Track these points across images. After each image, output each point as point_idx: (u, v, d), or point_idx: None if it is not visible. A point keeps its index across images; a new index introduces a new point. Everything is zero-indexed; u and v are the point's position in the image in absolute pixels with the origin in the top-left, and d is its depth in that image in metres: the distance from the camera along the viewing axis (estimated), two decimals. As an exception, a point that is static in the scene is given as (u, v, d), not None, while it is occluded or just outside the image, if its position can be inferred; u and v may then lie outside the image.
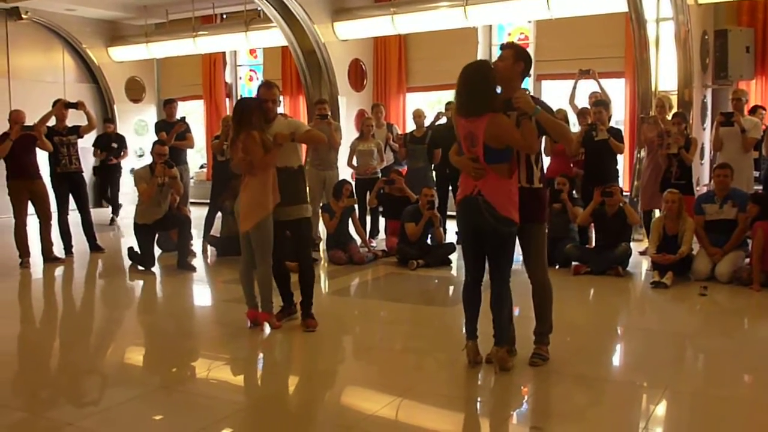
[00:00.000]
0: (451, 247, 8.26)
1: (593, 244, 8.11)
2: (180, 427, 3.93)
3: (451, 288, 7.37)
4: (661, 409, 4.11)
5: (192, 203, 10.73)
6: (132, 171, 8.43)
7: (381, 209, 9.48)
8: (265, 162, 5.30)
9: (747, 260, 7.14)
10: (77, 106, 8.90)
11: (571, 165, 8.83)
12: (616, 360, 5.31)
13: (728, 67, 9.61)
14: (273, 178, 5.39)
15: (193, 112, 15.01)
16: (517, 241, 4.55)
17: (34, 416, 4.10)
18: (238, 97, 15.16)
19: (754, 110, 8.93)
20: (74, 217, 9.03)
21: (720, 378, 4.64)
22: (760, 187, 8.39)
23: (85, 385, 4.72)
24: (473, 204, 4.38)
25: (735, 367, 4.85)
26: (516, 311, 5.01)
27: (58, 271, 8.35)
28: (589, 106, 8.92)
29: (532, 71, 11.81)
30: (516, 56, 4.47)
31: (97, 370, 5.02)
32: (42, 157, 8.73)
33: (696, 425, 3.98)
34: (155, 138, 9.63)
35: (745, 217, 7.03)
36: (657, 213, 8.51)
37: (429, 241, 8.46)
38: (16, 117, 8.40)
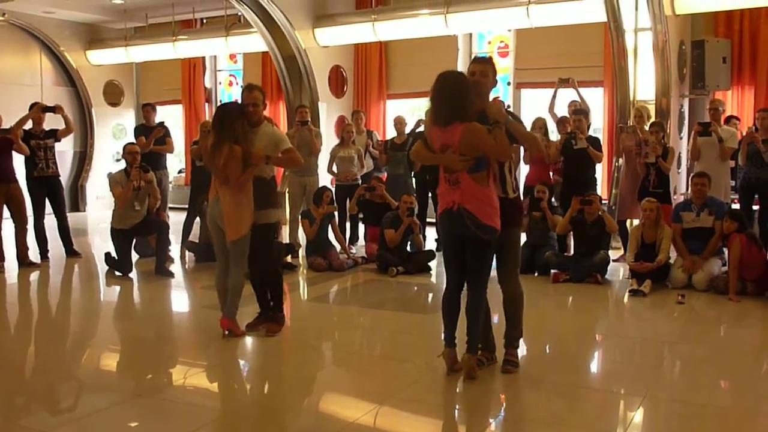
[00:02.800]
0: (430, 254, 8.26)
1: (572, 251, 8.16)
2: (157, 434, 3.89)
3: (431, 295, 7.37)
4: (639, 416, 4.13)
5: (170, 208, 10.65)
6: (108, 175, 8.35)
7: (361, 216, 9.47)
8: (241, 181, 5.26)
9: (723, 268, 7.21)
10: (55, 110, 8.81)
11: (551, 173, 8.89)
12: (595, 367, 5.33)
13: (705, 77, 9.71)
14: (250, 189, 5.36)
15: (171, 117, 14.92)
16: None
17: (8, 424, 4.03)
18: (218, 102, 15.10)
19: (728, 120, 9.04)
20: (50, 222, 8.92)
21: (697, 385, 4.68)
22: (737, 196, 8.48)
23: (60, 392, 4.65)
24: (456, 217, 4.38)
25: (712, 374, 4.91)
26: (495, 318, 5.01)
27: (34, 276, 8.25)
28: (568, 115, 8.98)
29: (511, 79, 12.04)
30: (494, 72, 4.54)
31: (73, 376, 4.95)
32: (18, 161, 8.63)
33: (674, 432, 4.01)
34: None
35: (721, 227, 7.08)
36: (630, 223, 8.58)
37: (408, 248, 8.46)
38: (-8, 120, 8.31)
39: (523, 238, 8.03)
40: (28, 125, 8.73)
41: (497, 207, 4.41)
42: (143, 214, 8.14)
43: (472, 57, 10.57)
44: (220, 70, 15.47)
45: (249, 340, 5.49)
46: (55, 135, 8.94)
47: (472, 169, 4.34)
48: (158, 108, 10.86)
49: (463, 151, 4.31)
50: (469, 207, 4.34)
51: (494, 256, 4.56)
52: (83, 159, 15.01)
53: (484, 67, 4.51)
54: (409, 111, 12.64)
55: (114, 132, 15.25)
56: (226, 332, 5.47)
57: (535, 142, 4.79)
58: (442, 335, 4.61)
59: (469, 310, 4.51)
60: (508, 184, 4.53)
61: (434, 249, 8.42)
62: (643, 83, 9.35)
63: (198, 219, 8.95)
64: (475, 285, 4.52)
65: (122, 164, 8.45)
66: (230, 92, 15.28)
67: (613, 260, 8.02)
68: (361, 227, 9.67)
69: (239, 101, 5.61)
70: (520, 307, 4.72)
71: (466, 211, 4.34)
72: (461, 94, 4.35)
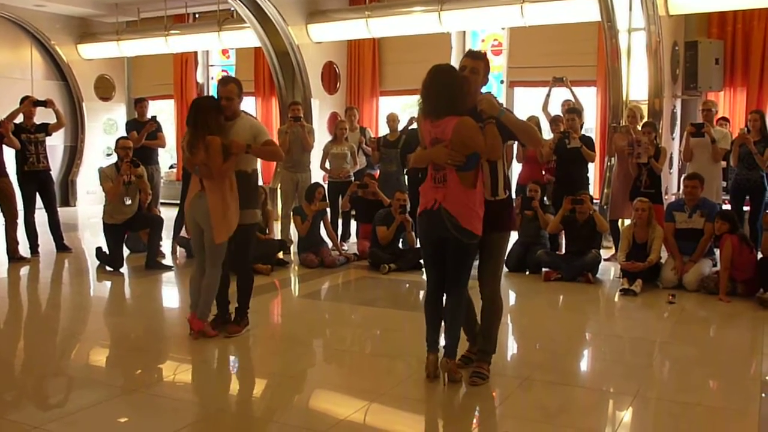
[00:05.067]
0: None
1: (563, 250, 8.17)
2: (146, 431, 3.87)
3: (422, 292, 7.32)
4: (629, 416, 4.14)
5: (161, 203, 10.62)
6: (99, 170, 8.32)
7: (353, 213, 9.46)
8: (223, 170, 5.19)
9: (714, 268, 7.24)
10: (46, 104, 8.77)
11: (543, 172, 8.90)
12: (585, 366, 5.34)
13: (698, 78, 9.74)
14: (234, 184, 5.29)
15: (163, 112, 14.86)
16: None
17: (-3, 419, 4.01)
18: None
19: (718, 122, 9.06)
20: (41, 216, 8.88)
21: (687, 384, 4.69)
22: (728, 197, 8.52)
23: (50, 388, 4.63)
24: (435, 216, 4.27)
25: (702, 374, 4.93)
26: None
27: (24, 270, 8.21)
28: (562, 114, 8.99)
29: (504, 78, 12.04)
30: (486, 69, 4.39)
31: (63, 372, 4.93)
32: (9, 155, 8.59)
33: (663, 431, 4.01)
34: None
35: (711, 228, 7.11)
36: (622, 222, 8.60)
37: (401, 245, 8.46)
38: (-18, 114, 8.27)
39: (515, 236, 8.13)
40: (19, 119, 8.69)
41: (480, 212, 4.26)
42: (134, 209, 8.12)
43: (466, 51, 10.59)
44: (212, 66, 15.42)
45: (239, 337, 5.46)
46: (46, 129, 8.90)
47: (462, 168, 4.22)
48: (150, 103, 10.81)
49: (455, 147, 4.20)
50: (450, 208, 4.22)
51: (476, 259, 4.44)
52: (74, 153, 14.97)
53: (475, 63, 4.34)
54: (402, 108, 12.63)
55: (105, 127, 15.20)
56: (196, 332, 5.35)
57: (533, 133, 4.52)
58: (425, 339, 4.53)
59: (447, 315, 4.43)
60: (500, 183, 4.36)
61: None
62: (636, 83, 9.38)
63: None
64: (453, 289, 4.41)
65: (113, 159, 8.43)
66: (222, 88, 15.21)
67: (605, 259, 8.05)
68: (353, 224, 9.66)
69: (214, 96, 5.51)
70: (496, 318, 4.55)
71: (446, 212, 4.22)
72: (454, 87, 4.23)
